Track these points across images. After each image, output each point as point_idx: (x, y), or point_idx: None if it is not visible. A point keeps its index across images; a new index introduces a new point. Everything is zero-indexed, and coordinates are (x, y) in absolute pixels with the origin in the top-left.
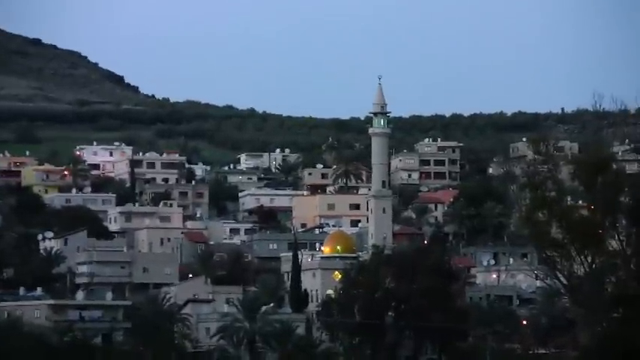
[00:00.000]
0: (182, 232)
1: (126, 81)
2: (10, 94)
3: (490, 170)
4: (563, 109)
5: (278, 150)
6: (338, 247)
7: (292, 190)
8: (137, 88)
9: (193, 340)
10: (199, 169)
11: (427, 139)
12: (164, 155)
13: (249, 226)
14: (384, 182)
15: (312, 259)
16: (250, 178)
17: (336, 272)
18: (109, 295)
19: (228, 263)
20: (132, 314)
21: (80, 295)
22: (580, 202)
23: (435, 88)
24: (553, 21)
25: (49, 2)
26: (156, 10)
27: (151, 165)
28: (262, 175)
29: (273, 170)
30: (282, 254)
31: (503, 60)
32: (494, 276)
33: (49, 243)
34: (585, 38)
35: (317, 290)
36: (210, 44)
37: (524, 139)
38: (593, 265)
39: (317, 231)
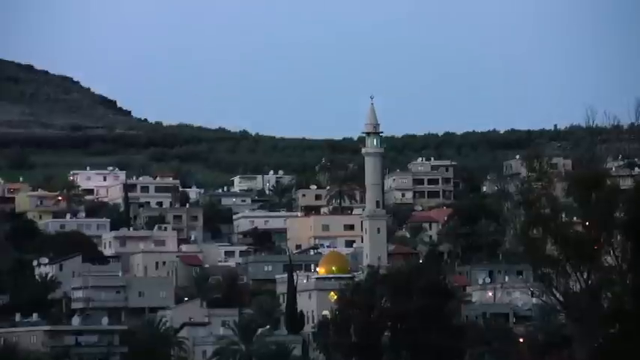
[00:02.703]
0: (177, 256)
1: (118, 105)
2: (3, 120)
3: (484, 188)
4: (556, 125)
5: (272, 172)
6: (333, 268)
7: (286, 212)
8: (130, 112)
9: None
10: (193, 192)
11: (420, 158)
12: (158, 179)
13: (243, 248)
14: (378, 202)
15: (307, 280)
16: (244, 201)
17: (332, 293)
18: (105, 319)
19: (223, 286)
20: (128, 339)
21: (76, 321)
22: (575, 218)
23: (428, 107)
24: (544, 38)
25: (40, 28)
26: (147, 35)
27: (145, 189)
28: (256, 197)
29: (267, 192)
30: (277, 276)
31: (495, 78)
32: (490, 294)
33: (44, 269)
34: (577, 55)
35: (313, 311)
36: (201, 67)
37: (517, 157)
38: (589, 281)
39: (312, 252)
